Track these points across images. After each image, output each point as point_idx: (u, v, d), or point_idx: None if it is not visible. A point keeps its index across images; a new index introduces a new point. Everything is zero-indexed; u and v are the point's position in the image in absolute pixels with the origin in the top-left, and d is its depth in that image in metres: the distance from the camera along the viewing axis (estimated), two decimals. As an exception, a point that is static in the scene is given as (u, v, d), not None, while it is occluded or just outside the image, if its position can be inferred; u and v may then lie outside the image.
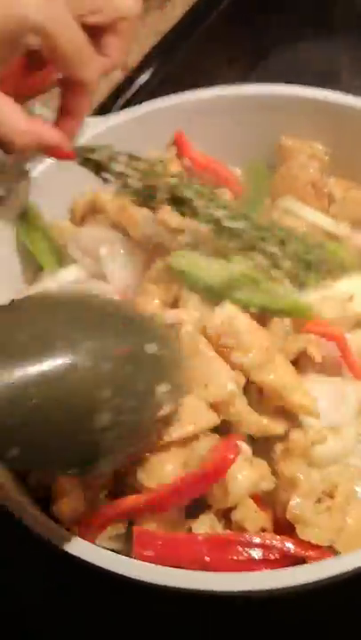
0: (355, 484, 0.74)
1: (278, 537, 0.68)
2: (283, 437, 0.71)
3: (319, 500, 0.70)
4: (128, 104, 1.08)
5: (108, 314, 0.61)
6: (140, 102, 0.93)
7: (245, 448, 0.71)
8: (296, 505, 0.68)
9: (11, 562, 0.80)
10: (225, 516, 0.70)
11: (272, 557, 0.67)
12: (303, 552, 0.67)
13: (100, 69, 0.69)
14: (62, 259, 0.85)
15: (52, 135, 0.68)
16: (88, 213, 0.89)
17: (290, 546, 0.67)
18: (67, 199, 0.90)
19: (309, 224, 0.85)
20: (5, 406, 0.52)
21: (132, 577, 0.63)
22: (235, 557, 0.67)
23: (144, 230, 0.82)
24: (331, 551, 0.68)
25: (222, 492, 0.69)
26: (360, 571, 0.64)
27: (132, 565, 0.65)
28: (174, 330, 0.68)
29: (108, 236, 0.84)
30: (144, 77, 1.12)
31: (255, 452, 0.72)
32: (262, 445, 0.73)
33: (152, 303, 0.76)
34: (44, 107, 0.75)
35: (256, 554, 0.67)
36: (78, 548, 0.65)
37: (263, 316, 0.75)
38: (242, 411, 0.71)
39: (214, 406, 0.71)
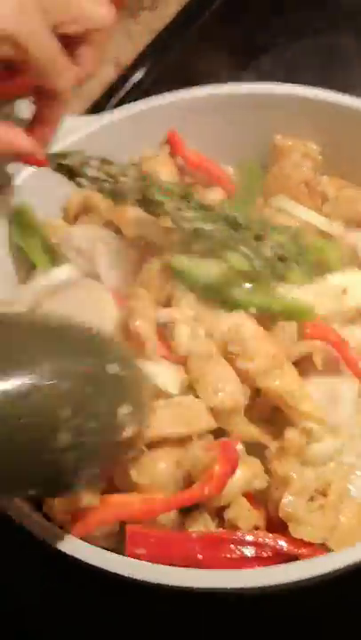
0: (348, 482, 0.75)
1: (271, 535, 0.68)
2: (277, 436, 0.71)
3: (312, 499, 0.70)
4: (121, 103, 1.08)
5: (68, 334, 0.61)
6: (134, 101, 0.92)
7: (239, 447, 0.72)
8: (289, 503, 0.68)
9: (7, 562, 0.80)
10: (218, 514, 0.70)
11: (265, 555, 0.67)
12: (296, 550, 0.67)
13: (73, 79, 0.70)
14: (55, 257, 0.85)
15: (24, 142, 0.69)
16: (81, 212, 0.89)
17: (282, 544, 0.68)
18: (60, 198, 0.90)
19: (303, 223, 0.85)
20: None
21: (125, 575, 0.63)
22: (227, 555, 0.67)
23: (137, 229, 0.82)
24: (323, 549, 0.68)
25: (215, 490, 0.69)
26: (352, 568, 0.64)
27: (125, 563, 0.65)
28: (133, 351, 0.69)
29: (100, 235, 0.84)
30: (138, 76, 1.12)
31: (248, 451, 0.72)
32: (255, 444, 0.73)
33: (145, 302, 0.76)
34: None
35: (249, 552, 0.67)
36: (71, 546, 0.66)
37: (266, 320, 0.76)
38: (239, 422, 0.72)
39: (214, 412, 0.71)
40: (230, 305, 0.76)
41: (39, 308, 0.79)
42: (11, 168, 0.83)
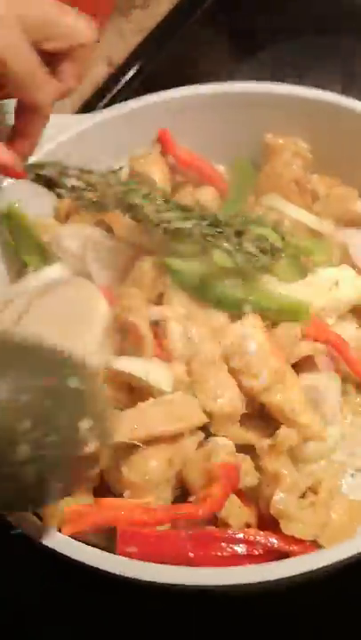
0: (339, 478, 0.75)
1: (262, 532, 0.68)
2: (269, 433, 0.72)
3: (303, 496, 0.70)
4: (113, 101, 1.08)
5: (29, 350, 0.62)
6: (125, 100, 0.92)
7: (229, 444, 0.72)
8: (280, 500, 0.68)
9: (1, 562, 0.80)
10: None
11: (256, 553, 0.67)
12: (287, 547, 0.68)
13: (54, 94, 0.71)
14: (46, 257, 0.85)
15: (3, 155, 0.70)
16: (72, 211, 0.89)
17: (273, 541, 0.68)
18: (51, 197, 0.89)
19: (293, 221, 0.85)
20: None
21: (116, 573, 0.63)
22: (218, 553, 0.67)
23: (128, 229, 0.82)
24: (315, 546, 0.69)
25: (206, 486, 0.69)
26: (343, 565, 0.64)
27: (116, 562, 0.65)
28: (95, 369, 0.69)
29: (92, 234, 0.84)
30: (129, 75, 1.12)
31: (238, 448, 0.72)
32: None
33: (138, 300, 0.76)
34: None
35: (240, 550, 0.67)
36: (61, 544, 0.66)
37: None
38: (229, 425, 0.72)
39: (211, 417, 0.72)
40: (224, 303, 0.76)
41: (30, 306, 0.79)
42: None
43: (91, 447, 0.61)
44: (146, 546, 0.67)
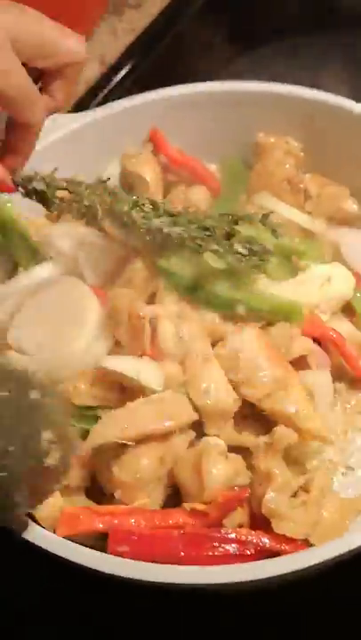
0: (331, 476, 0.75)
1: (254, 532, 0.68)
2: (267, 430, 0.72)
3: (295, 495, 0.70)
4: (106, 100, 1.07)
5: None
6: (118, 99, 0.92)
7: (220, 443, 0.72)
8: (271, 499, 0.68)
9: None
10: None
11: (248, 552, 0.67)
12: (278, 546, 0.68)
13: (45, 111, 0.71)
14: (38, 256, 0.84)
15: None
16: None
17: (265, 540, 0.68)
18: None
19: (285, 220, 0.85)
20: None
21: (107, 572, 0.63)
22: (210, 553, 0.67)
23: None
24: (307, 545, 0.69)
25: (198, 486, 0.69)
26: (334, 563, 0.64)
27: (107, 561, 0.65)
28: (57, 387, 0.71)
29: (83, 233, 0.83)
30: (122, 74, 1.12)
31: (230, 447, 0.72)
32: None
33: (129, 299, 0.76)
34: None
35: (232, 549, 0.67)
36: (51, 543, 0.66)
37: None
38: (223, 425, 0.72)
39: (203, 414, 0.72)
40: (217, 304, 0.76)
41: (22, 306, 0.79)
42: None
43: (52, 459, 0.63)
44: (137, 545, 0.67)
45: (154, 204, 0.76)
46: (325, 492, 0.71)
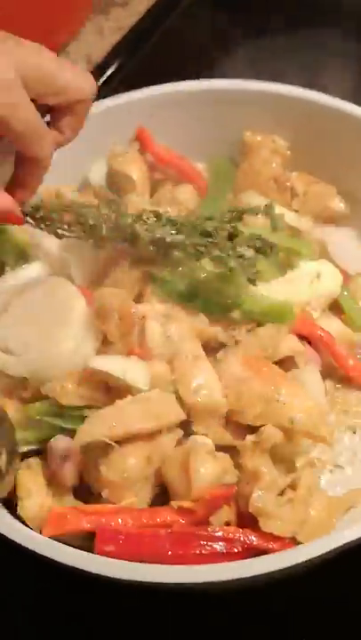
0: (318, 474, 0.75)
1: (241, 530, 0.69)
2: (255, 429, 0.72)
3: (282, 493, 0.70)
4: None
5: None
6: (104, 98, 0.92)
7: (208, 442, 0.72)
8: (258, 498, 0.68)
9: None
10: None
11: (235, 550, 0.68)
12: (266, 544, 0.68)
13: (53, 146, 0.72)
14: (25, 256, 0.84)
15: (5, 202, 0.71)
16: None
17: (253, 539, 0.68)
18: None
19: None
20: None
21: (92, 572, 0.63)
22: (198, 551, 0.67)
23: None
24: (294, 543, 0.69)
25: (185, 485, 0.69)
26: (321, 560, 0.64)
27: (93, 561, 0.65)
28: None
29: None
30: (108, 73, 1.12)
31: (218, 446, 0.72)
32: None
33: (119, 298, 0.76)
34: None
35: (219, 547, 0.67)
36: (37, 544, 0.66)
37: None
38: (213, 425, 0.72)
39: (192, 412, 0.72)
40: (210, 309, 0.76)
41: (9, 306, 0.79)
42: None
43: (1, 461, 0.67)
44: (125, 544, 0.67)
45: (157, 215, 0.76)
46: (313, 491, 0.71)
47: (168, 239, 0.75)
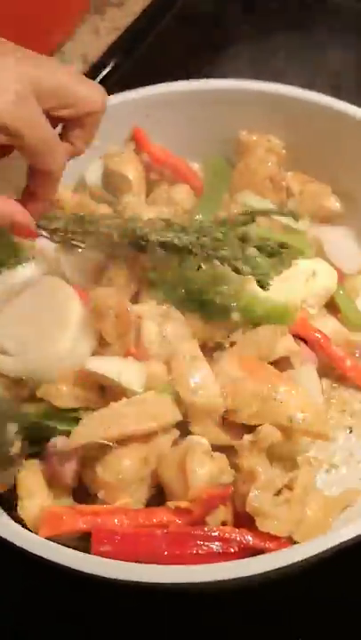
0: (314, 474, 0.75)
1: (238, 530, 0.69)
2: (252, 428, 0.72)
3: (279, 492, 0.70)
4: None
5: None
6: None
7: (204, 442, 0.72)
8: (254, 497, 0.68)
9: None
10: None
11: (232, 550, 0.68)
12: (262, 544, 0.68)
13: (65, 158, 0.73)
14: (20, 256, 0.84)
15: (22, 217, 0.72)
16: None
17: (249, 538, 0.68)
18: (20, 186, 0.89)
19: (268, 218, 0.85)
20: None
21: (86, 572, 0.63)
22: (194, 551, 0.67)
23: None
24: (290, 542, 0.69)
25: (182, 486, 0.69)
26: (317, 560, 0.64)
27: (89, 561, 0.65)
28: None
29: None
30: (104, 72, 1.12)
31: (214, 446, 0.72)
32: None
33: (115, 297, 0.76)
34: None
35: (216, 547, 0.67)
36: (32, 544, 0.66)
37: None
38: (210, 425, 0.72)
39: (190, 411, 0.72)
40: (211, 312, 0.76)
41: (5, 306, 0.79)
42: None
43: (16, 449, 0.70)
44: (121, 544, 0.67)
45: (167, 222, 0.76)
46: (309, 490, 0.71)
47: (178, 242, 0.74)
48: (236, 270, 0.73)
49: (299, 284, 0.80)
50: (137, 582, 0.63)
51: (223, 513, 0.70)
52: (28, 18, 1.05)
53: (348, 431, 0.79)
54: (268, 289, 0.73)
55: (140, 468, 0.70)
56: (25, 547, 0.65)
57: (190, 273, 0.76)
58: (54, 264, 0.82)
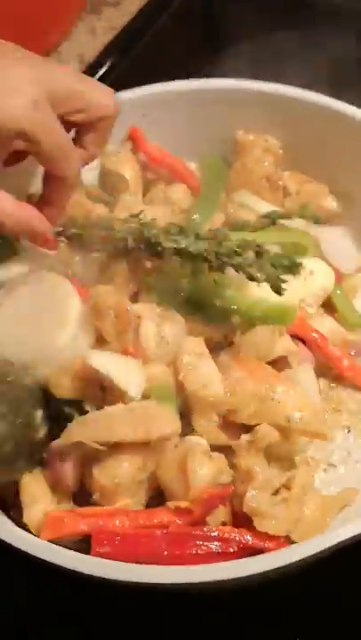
0: (312, 473, 0.75)
1: (237, 530, 0.69)
2: (249, 428, 0.72)
3: (276, 492, 0.71)
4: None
5: None
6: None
7: (203, 442, 0.72)
8: (252, 497, 0.68)
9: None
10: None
11: (231, 550, 0.68)
12: (261, 544, 0.68)
13: (79, 163, 0.73)
14: (16, 252, 0.83)
15: (41, 224, 0.73)
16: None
17: (248, 538, 0.68)
18: (21, 189, 0.89)
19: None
20: None
21: (85, 572, 0.63)
22: (194, 551, 0.67)
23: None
24: (288, 542, 0.69)
25: (182, 486, 0.69)
26: (315, 559, 0.65)
27: (88, 562, 0.65)
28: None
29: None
30: (100, 72, 1.12)
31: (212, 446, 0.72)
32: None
33: (115, 295, 0.76)
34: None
35: (215, 547, 0.68)
36: (33, 546, 0.66)
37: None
38: (209, 424, 0.72)
39: (194, 400, 0.72)
40: (212, 316, 0.76)
41: (2, 305, 0.79)
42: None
43: (43, 433, 0.71)
44: (121, 545, 0.67)
45: (181, 228, 0.77)
46: (306, 490, 0.72)
47: (192, 248, 0.75)
48: (251, 278, 0.74)
49: (297, 284, 0.79)
50: (137, 583, 0.63)
51: (222, 513, 0.70)
52: (24, 18, 1.05)
53: (345, 431, 0.80)
54: (283, 294, 0.74)
55: (137, 473, 0.69)
56: (27, 550, 0.65)
57: (200, 278, 0.76)
58: (53, 261, 0.82)
